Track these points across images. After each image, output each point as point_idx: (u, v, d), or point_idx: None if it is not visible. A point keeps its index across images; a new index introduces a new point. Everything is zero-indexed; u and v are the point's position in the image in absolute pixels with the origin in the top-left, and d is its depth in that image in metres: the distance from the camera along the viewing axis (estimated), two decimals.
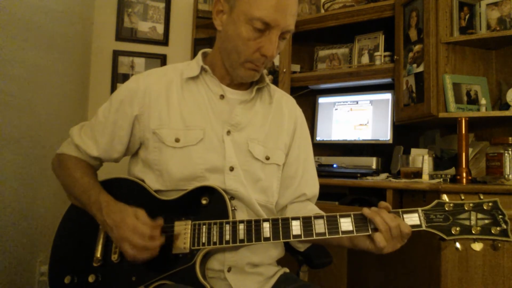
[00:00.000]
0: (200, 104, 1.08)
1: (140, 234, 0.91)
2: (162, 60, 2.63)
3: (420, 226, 0.91)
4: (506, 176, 1.57)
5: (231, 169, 1.04)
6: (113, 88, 2.55)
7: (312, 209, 1.16)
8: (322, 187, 1.24)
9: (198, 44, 2.43)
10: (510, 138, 1.59)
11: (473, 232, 0.89)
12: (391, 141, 2.13)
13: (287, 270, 1.16)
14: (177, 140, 1.03)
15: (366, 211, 0.93)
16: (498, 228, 0.88)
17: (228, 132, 1.06)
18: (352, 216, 0.93)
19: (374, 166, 2.12)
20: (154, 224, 0.94)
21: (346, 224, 0.93)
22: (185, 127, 1.05)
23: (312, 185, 1.21)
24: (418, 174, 1.75)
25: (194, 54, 2.43)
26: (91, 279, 0.99)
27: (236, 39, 0.99)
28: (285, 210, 1.17)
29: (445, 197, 0.94)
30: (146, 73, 1.13)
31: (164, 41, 2.64)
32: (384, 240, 0.90)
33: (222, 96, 1.09)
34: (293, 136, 1.19)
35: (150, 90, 1.07)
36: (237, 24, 0.98)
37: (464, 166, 1.66)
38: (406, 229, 0.90)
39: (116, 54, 2.57)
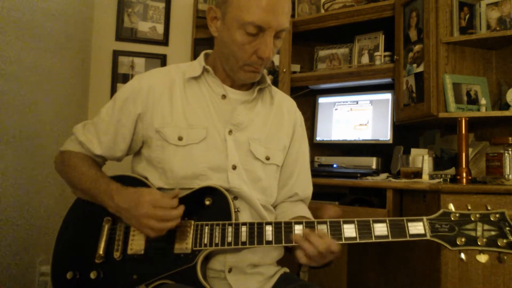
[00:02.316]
0: (202, 104, 1.09)
1: (161, 207, 0.92)
2: (162, 60, 2.62)
3: (424, 235, 0.90)
4: (506, 176, 1.57)
5: (234, 167, 1.05)
6: (113, 88, 2.55)
7: (300, 208, 1.17)
8: (322, 187, 1.25)
9: (198, 44, 2.43)
10: (510, 138, 1.59)
11: (479, 243, 0.87)
12: (391, 141, 2.13)
13: (287, 270, 1.16)
14: (180, 139, 1.04)
15: (296, 237, 0.91)
16: (504, 240, 0.86)
17: (230, 132, 1.07)
18: (355, 222, 0.93)
19: (374, 166, 2.12)
20: (172, 194, 0.96)
21: (349, 230, 0.92)
22: (188, 125, 1.05)
23: (305, 187, 1.22)
24: (418, 174, 1.75)
25: (194, 54, 2.44)
26: (93, 275, 0.99)
27: (232, 44, 1.00)
28: (276, 209, 1.18)
29: (451, 207, 0.92)
30: (149, 73, 1.14)
31: (164, 41, 2.64)
32: (309, 259, 0.90)
33: (224, 96, 1.10)
34: (291, 138, 1.20)
35: (153, 89, 1.08)
36: (231, 29, 0.99)
37: (464, 166, 1.66)
38: (335, 248, 0.89)
39: (116, 54, 2.57)
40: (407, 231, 0.90)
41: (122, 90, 1.12)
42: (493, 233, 0.87)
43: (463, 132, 1.67)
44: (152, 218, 0.92)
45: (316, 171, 2.00)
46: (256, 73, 1.06)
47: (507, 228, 0.87)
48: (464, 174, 1.65)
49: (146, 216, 0.92)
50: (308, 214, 1.17)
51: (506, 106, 1.79)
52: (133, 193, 0.97)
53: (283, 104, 1.21)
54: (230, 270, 1.01)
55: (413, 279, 1.68)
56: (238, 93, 1.12)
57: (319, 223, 0.94)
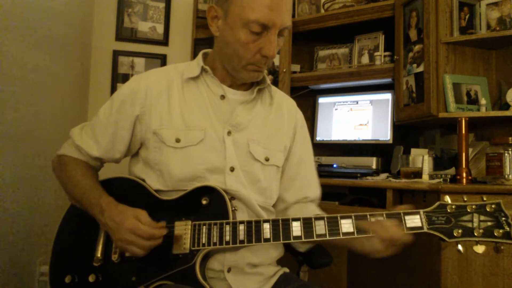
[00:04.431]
0: (200, 104, 1.08)
1: (139, 235, 0.91)
2: (162, 60, 2.62)
3: (421, 228, 0.90)
4: (506, 176, 1.57)
5: (232, 169, 1.04)
6: (113, 88, 2.55)
7: (313, 210, 1.16)
8: (322, 187, 1.25)
9: (198, 44, 2.43)
10: (510, 138, 1.59)
11: (476, 234, 0.88)
12: (391, 141, 2.13)
13: (287, 270, 1.16)
14: (177, 140, 1.03)
15: (366, 224, 0.92)
16: (501, 231, 0.87)
17: (229, 133, 1.06)
18: (352, 217, 0.93)
19: (374, 166, 2.11)
20: (155, 224, 0.94)
21: (346, 225, 0.92)
22: (185, 127, 1.05)
23: (314, 188, 1.22)
24: (418, 174, 1.75)
25: (194, 54, 2.43)
26: (91, 278, 0.99)
27: (235, 44, 0.99)
28: (288, 211, 1.17)
29: (447, 199, 0.92)
30: (147, 73, 1.13)
31: (164, 41, 2.64)
32: (383, 246, 0.90)
33: (222, 97, 1.09)
34: (293, 138, 1.19)
35: (151, 90, 1.07)
36: (234, 29, 0.97)
37: (464, 166, 1.66)
38: (404, 238, 0.90)
39: (116, 54, 2.57)
40: (404, 225, 0.91)
41: (120, 91, 1.11)
42: (489, 223, 0.88)
43: (463, 132, 1.66)
44: (131, 244, 0.92)
45: (316, 172, 2.00)
46: (259, 72, 1.05)
47: (503, 218, 0.87)
48: (464, 174, 1.65)
49: (124, 241, 0.93)
50: (322, 213, 1.16)
51: (506, 106, 1.79)
52: (120, 213, 0.95)
53: (283, 104, 1.20)
54: (229, 270, 1.01)
55: (413, 279, 1.68)
56: (237, 93, 1.11)
57: (316, 219, 0.94)
